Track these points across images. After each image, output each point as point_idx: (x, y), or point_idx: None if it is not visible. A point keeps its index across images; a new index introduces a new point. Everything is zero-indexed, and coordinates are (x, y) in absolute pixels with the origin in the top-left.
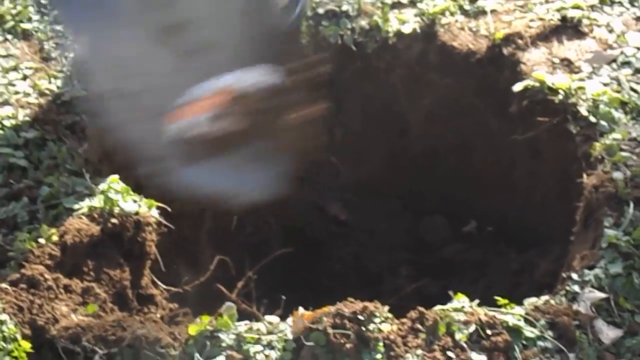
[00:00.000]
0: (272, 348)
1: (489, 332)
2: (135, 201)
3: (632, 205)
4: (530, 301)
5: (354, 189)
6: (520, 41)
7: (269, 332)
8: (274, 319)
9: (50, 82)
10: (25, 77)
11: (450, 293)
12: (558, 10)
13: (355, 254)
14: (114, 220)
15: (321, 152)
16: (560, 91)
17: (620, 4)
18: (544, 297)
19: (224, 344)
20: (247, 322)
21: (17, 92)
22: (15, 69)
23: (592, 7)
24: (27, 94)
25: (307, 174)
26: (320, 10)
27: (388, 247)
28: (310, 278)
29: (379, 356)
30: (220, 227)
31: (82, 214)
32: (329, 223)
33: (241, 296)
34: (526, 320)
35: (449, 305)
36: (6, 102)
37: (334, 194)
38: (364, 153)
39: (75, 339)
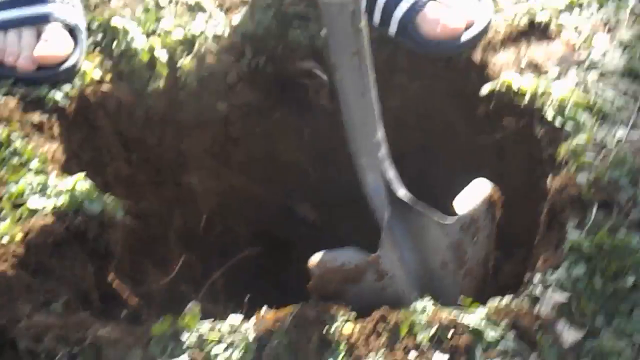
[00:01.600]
0: (235, 348)
1: (450, 333)
2: (101, 200)
3: (595, 208)
4: (491, 303)
5: (323, 190)
6: (488, 44)
7: (231, 332)
8: (236, 318)
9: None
10: None
11: (415, 295)
12: (526, 14)
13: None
14: (79, 220)
15: (290, 153)
16: (526, 94)
17: (589, 7)
18: (506, 299)
19: (186, 345)
20: (209, 321)
21: None
22: None
23: (560, 11)
24: None
25: (276, 175)
26: (291, 12)
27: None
28: (278, 279)
29: (340, 357)
30: (189, 227)
31: (47, 213)
32: (298, 224)
33: (207, 297)
34: (488, 322)
35: (411, 307)
36: None
37: (303, 195)
38: (333, 154)
39: (38, 338)
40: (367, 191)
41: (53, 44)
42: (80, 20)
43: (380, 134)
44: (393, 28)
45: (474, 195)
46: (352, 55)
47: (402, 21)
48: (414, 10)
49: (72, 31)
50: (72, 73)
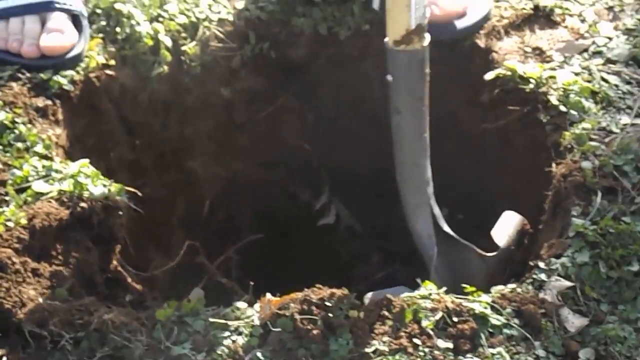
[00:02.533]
0: (239, 334)
1: (455, 319)
2: (104, 185)
3: (599, 194)
4: (497, 289)
5: (326, 176)
6: (492, 30)
7: (236, 318)
8: (241, 304)
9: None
10: None
11: (418, 280)
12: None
13: (326, 240)
14: (83, 205)
15: (293, 138)
16: (531, 80)
17: None
18: (511, 285)
19: (190, 330)
20: (214, 307)
21: None
22: None
23: None
24: None
25: (279, 160)
26: None
27: (359, 234)
28: (281, 264)
29: (345, 342)
30: (192, 212)
31: (51, 197)
32: (301, 209)
33: (211, 281)
34: (492, 308)
35: (416, 293)
36: None
37: (306, 181)
38: (337, 140)
39: (42, 323)
40: (414, 228)
41: (58, 34)
42: (82, 6)
43: (429, 173)
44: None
45: (507, 227)
46: (416, 100)
47: None
48: None
49: (75, 18)
50: (77, 61)
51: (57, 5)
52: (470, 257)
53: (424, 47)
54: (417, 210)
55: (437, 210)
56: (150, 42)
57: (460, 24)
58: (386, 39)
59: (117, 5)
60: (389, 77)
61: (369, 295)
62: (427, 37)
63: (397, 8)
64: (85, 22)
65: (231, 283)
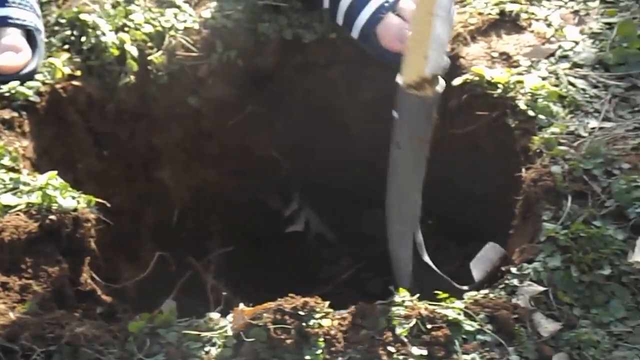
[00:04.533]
0: (213, 345)
1: (429, 326)
2: (73, 197)
3: (570, 198)
4: (470, 295)
5: (296, 183)
6: (459, 35)
7: (209, 329)
8: (214, 315)
9: None
10: None
11: (391, 288)
12: (497, 5)
13: (296, 247)
14: (52, 217)
15: (262, 147)
16: (499, 85)
17: None
18: (484, 291)
19: (163, 341)
20: (187, 318)
21: None
22: None
23: (530, 1)
24: None
25: (248, 168)
26: (259, 4)
27: (330, 241)
28: (251, 273)
29: (319, 351)
30: (161, 222)
31: (20, 210)
32: (270, 218)
33: (182, 293)
34: (466, 314)
35: (389, 300)
36: None
37: (276, 188)
38: (306, 147)
39: (13, 337)
40: (395, 254)
41: (11, 54)
42: (38, 21)
43: (419, 204)
44: (355, 33)
45: (487, 260)
46: (418, 141)
47: (364, 29)
48: (374, 19)
49: (30, 33)
50: (30, 78)
51: (11, 21)
52: (444, 288)
53: (435, 93)
54: (399, 237)
55: (419, 238)
56: (116, 52)
57: None
58: (398, 77)
59: (82, 16)
60: (395, 114)
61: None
62: (441, 85)
63: (414, 55)
64: (40, 37)
65: (218, 285)
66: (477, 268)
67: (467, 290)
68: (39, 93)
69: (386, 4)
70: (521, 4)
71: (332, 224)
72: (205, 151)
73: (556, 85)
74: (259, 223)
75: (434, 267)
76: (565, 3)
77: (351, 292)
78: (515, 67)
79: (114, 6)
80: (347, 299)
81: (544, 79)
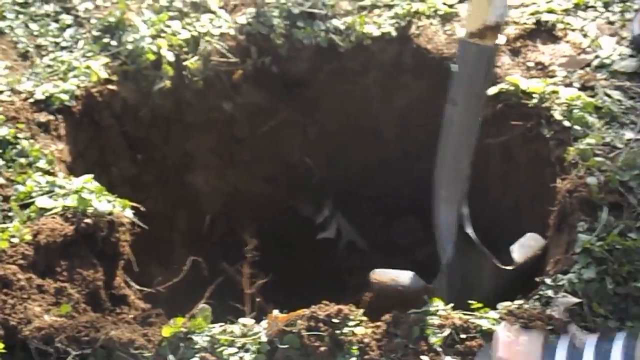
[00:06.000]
0: (247, 350)
1: (463, 336)
2: (109, 201)
3: (605, 210)
4: (504, 305)
5: (328, 190)
6: None
7: (243, 335)
8: (248, 320)
9: (24, 81)
10: None
11: (425, 297)
12: (532, 14)
13: (327, 254)
14: (87, 220)
15: (294, 153)
16: (534, 95)
17: (594, 8)
18: (518, 302)
19: (197, 346)
20: (221, 324)
21: None
22: None
23: (566, 12)
24: (0, 92)
25: (281, 174)
26: (295, 11)
27: (361, 249)
28: (282, 279)
29: (353, 359)
30: (193, 227)
31: (56, 213)
32: (301, 224)
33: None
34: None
35: (423, 309)
36: None
37: (308, 195)
38: (338, 154)
39: (48, 339)
40: (438, 221)
41: None
42: None
43: (468, 171)
44: None
45: (528, 247)
46: (474, 95)
47: None
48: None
49: None
50: None
51: None
52: (485, 264)
53: (495, 45)
54: (445, 203)
55: (465, 210)
56: (153, 57)
57: None
58: (460, 30)
59: (120, 22)
60: (454, 67)
61: (377, 272)
62: (501, 38)
63: (479, 3)
64: None
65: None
66: (518, 252)
67: (507, 272)
68: (74, 97)
69: None
70: (557, 14)
71: (362, 232)
72: (238, 157)
73: (592, 96)
74: (290, 229)
75: (477, 240)
76: (601, 14)
77: None
78: (551, 77)
79: (151, 12)
80: None
81: (579, 89)
